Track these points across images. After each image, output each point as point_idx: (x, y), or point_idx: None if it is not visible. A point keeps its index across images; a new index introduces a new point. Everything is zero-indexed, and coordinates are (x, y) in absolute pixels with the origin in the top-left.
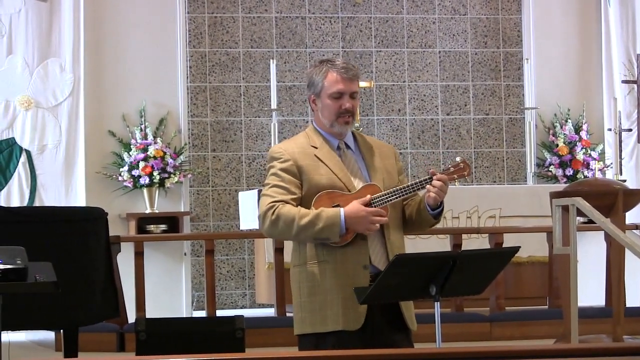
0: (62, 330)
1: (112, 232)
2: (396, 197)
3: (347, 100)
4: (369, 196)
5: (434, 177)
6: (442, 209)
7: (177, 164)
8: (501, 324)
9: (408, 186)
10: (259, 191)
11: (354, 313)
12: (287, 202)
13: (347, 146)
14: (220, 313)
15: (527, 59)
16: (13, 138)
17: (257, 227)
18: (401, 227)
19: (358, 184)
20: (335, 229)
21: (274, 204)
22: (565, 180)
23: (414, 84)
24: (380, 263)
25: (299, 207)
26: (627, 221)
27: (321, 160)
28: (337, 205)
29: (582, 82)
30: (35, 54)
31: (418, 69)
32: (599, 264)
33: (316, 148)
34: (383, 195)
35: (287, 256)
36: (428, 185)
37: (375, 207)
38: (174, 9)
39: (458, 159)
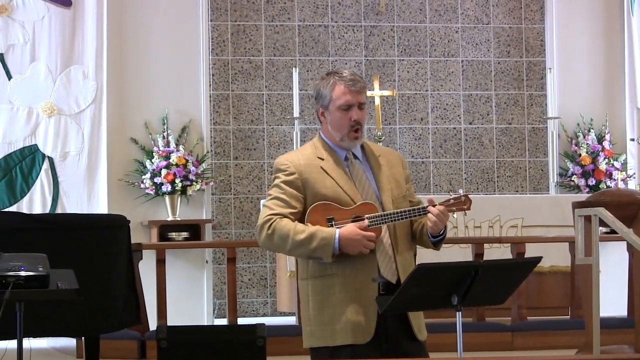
0: (83, 337)
1: (134, 239)
2: (391, 221)
3: (355, 112)
4: (366, 222)
5: (431, 208)
6: (443, 238)
7: (199, 171)
8: (523, 333)
9: (405, 211)
10: None
11: (363, 326)
12: (285, 216)
13: (355, 156)
14: (241, 321)
15: (550, 69)
16: (36, 145)
17: None
18: (411, 244)
19: (365, 197)
20: (328, 250)
21: (271, 217)
22: (587, 190)
23: (436, 93)
24: (389, 274)
25: (295, 222)
26: None
27: (327, 173)
28: (332, 219)
29: (605, 92)
30: (58, 61)
31: (441, 77)
32: (621, 274)
33: (322, 160)
34: (379, 217)
35: None
36: (429, 214)
37: (370, 226)
38: (197, 17)
39: (461, 191)
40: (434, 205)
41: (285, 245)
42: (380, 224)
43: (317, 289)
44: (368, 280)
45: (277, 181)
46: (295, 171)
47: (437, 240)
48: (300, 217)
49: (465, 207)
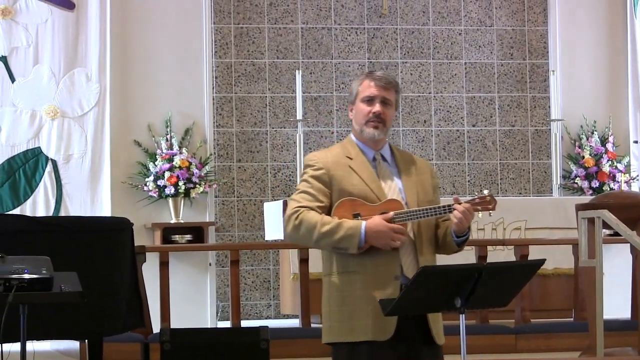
0: (86, 340)
1: (137, 242)
2: (417, 217)
3: (377, 105)
4: (392, 213)
5: (457, 205)
6: (467, 238)
7: (202, 174)
8: (526, 336)
9: (430, 208)
10: (284, 202)
11: (384, 323)
12: (312, 209)
13: (384, 158)
14: (245, 324)
15: (553, 71)
16: (39, 147)
17: (282, 238)
18: (434, 248)
19: (390, 196)
20: (354, 240)
21: (298, 209)
22: (591, 192)
23: (439, 95)
24: (411, 274)
25: (322, 214)
26: None
27: (354, 171)
28: (358, 214)
29: (608, 94)
30: (61, 64)
31: (444, 80)
32: (624, 276)
33: (351, 159)
34: (404, 213)
35: (312, 267)
36: (454, 212)
37: (395, 222)
38: (200, 20)
39: (486, 192)
40: (459, 204)
41: (312, 236)
42: (405, 220)
43: (339, 285)
44: (390, 278)
45: (305, 176)
46: (323, 167)
47: (461, 240)
48: (327, 212)
49: (490, 206)
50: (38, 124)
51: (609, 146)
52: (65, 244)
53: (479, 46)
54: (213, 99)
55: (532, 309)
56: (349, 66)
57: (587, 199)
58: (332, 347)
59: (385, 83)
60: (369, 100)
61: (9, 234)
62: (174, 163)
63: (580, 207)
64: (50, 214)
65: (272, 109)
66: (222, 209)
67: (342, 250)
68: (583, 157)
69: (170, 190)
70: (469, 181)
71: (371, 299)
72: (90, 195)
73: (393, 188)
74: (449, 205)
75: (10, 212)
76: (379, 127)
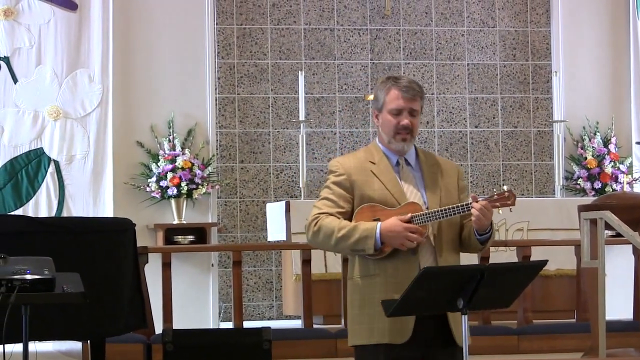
0: (89, 341)
1: (140, 242)
2: (436, 218)
3: (405, 117)
4: (409, 214)
5: (474, 203)
6: (490, 236)
7: (205, 175)
8: (529, 337)
9: (449, 209)
10: (287, 203)
11: (401, 326)
12: (332, 215)
13: (408, 163)
14: (247, 324)
15: (555, 72)
16: (41, 148)
17: (284, 239)
18: (457, 249)
19: (411, 200)
20: (369, 241)
21: (318, 215)
22: (593, 193)
23: (442, 96)
24: None
25: (340, 219)
26: None
27: (376, 176)
28: (377, 219)
29: (611, 95)
30: (64, 65)
31: (446, 81)
32: (627, 277)
33: (374, 164)
34: (423, 214)
35: (315, 268)
36: (472, 210)
37: (415, 224)
38: (203, 21)
39: (505, 187)
40: (477, 201)
41: (330, 241)
42: (425, 222)
43: (360, 289)
44: (408, 281)
45: (327, 182)
46: (344, 172)
47: (484, 238)
48: (349, 217)
49: (509, 202)
50: (40, 125)
51: (612, 147)
52: (68, 245)
53: (482, 47)
54: (216, 100)
55: (535, 310)
56: (352, 67)
57: (589, 200)
58: (354, 349)
59: (413, 95)
60: (397, 113)
61: (10, 235)
62: (176, 164)
63: (583, 208)
64: (53, 214)
65: (275, 110)
66: (224, 210)
67: (360, 252)
68: (585, 158)
69: (172, 191)
70: (471, 182)
71: None
72: (92, 196)
73: (414, 192)
74: (466, 204)
75: (12, 213)
76: (407, 138)
